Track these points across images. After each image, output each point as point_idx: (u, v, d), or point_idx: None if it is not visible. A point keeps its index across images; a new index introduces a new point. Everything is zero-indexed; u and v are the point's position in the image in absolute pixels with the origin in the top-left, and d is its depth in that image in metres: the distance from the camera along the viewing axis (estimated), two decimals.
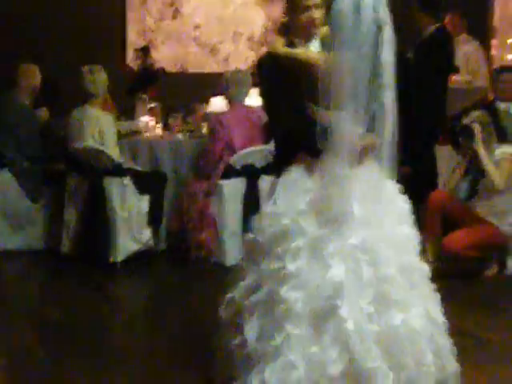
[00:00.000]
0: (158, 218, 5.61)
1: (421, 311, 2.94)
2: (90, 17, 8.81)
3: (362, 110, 2.85)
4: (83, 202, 5.41)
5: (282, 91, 3.12)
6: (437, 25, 6.64)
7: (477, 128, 4.90)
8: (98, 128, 5.31)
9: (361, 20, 2.80)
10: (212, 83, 7.45)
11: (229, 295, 3.13)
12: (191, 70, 9.65)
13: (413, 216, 3.07)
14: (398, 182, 3.09)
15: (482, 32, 8.22)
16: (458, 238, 4.96)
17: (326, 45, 3.07)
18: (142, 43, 9.01)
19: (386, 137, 2.95)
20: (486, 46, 7.83)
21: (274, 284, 2.90)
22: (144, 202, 5.50)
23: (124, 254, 5.38)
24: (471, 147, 4.96)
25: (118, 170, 5.37)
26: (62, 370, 3.61)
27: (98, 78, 5.37)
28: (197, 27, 9.70)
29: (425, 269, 3.07)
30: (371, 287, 2.84)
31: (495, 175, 4.89)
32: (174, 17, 9.60)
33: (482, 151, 4.91)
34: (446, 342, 3.04)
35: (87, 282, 5.13)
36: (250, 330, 2.91)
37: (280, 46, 3.18)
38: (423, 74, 6.56)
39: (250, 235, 3.09)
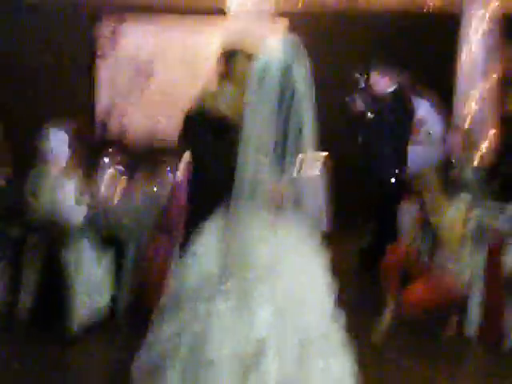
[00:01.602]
0: (118, 282, 5.56)
1: (340, 359, 2.98)
2: (60, 86, 8.89)
3: (276, 164, 2.98)
4: (40, 267, 5.34)
5: (207, 143, 3.23)
6: (395, 85, 6.79)
7: (430, 179, 4.94)
8: (56, 189, 5.28)
9: (265, 81, 2.96)
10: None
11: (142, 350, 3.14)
12: (161, 138, 9.69)
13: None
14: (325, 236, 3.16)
15: (445, 91, 8.35)
16: (416, 296, 4.94)
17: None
18: (111, 112, 9.09)
19: (310, 194, 3.13)
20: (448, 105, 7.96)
21: (200, 325, 2.89)
22: (102, 267, 5.45)
23: (81, 319, 5.29)
24: (424, 199, 4.99)
25: (75, 234, 5.33)
26: None
27: (54, 141, 5.36)
28: (167, 96, 9.80)
29: (338, 318, 3.09)
30: (295, 335, 2.86)
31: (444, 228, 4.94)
32: (145, 87, 9.70)
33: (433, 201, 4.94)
34: None
35: (42, 348, 5.01)
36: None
37: (211, 98, 3.32)
38: (384, 132, 6.66)
39: (173, 284, 3.11)
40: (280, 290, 2.91)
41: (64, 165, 5.57)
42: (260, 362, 2.79)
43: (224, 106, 3.29)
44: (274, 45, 3.06)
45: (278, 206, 3.00)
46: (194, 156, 3.41)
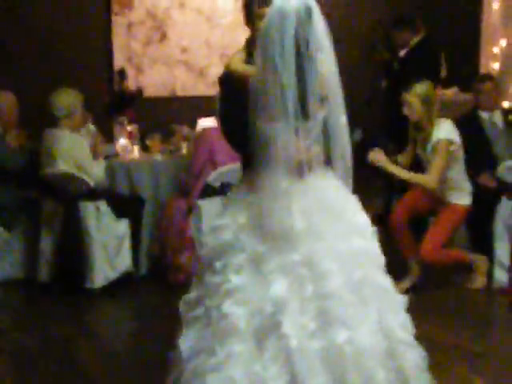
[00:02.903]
0: (137, 243, 5.49)
1: (373, 328, 2.76)
2: (75, 42, 8.77)
3: (295, 123, 2.72)
4: (59, 228, 5.27)
5: (234, 108, 2.99)
6: (421, 35, 6.57)
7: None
8: (69, 150, 5.16)
9: (282, 37, 2.70)
10: (201, 106, 7.36)
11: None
12: (180, 94, 9.58)
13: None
14: (354, 192, 2.95)
15: (470, 42, 8.15)
16: (431, 246, 4.87)
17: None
18: (128, 68, 8.95)
19: (337, 149, 2.85)
20: (474, 55, 7.75)
21: (214, 299, 2.81)
22: (121, 226, 5.37)
23: (102, 280, 5.25)
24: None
25: (93, 194, 5.24)
26: None
27: (65, 101, 5.23)
28: (184, 50, 9.64)
29: (381, 282, 2.88)
30: (313, 303, 2.71)
31: (422, 179, 4.77)
32: (161, 41, 9.55)
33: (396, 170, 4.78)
34: (411, 357, 2.84)
35: (63, 309, 5.00)
36: (185, 345, 2.83)
37: (236, 61, 3.05)
38: (410, 82, 6.46)
39: (200, 250, 3.05)
40: (303, 256, 2.74)
41: (76, 122, 5.42)
42: (279, 324, 2.68)
43: (245, 65, 3.01)
44: None
45: (303, 170, 2.80)
46: (223, 121, 3.14)
